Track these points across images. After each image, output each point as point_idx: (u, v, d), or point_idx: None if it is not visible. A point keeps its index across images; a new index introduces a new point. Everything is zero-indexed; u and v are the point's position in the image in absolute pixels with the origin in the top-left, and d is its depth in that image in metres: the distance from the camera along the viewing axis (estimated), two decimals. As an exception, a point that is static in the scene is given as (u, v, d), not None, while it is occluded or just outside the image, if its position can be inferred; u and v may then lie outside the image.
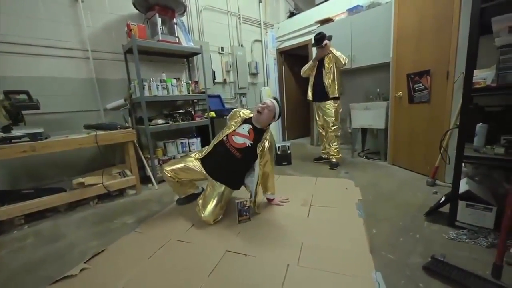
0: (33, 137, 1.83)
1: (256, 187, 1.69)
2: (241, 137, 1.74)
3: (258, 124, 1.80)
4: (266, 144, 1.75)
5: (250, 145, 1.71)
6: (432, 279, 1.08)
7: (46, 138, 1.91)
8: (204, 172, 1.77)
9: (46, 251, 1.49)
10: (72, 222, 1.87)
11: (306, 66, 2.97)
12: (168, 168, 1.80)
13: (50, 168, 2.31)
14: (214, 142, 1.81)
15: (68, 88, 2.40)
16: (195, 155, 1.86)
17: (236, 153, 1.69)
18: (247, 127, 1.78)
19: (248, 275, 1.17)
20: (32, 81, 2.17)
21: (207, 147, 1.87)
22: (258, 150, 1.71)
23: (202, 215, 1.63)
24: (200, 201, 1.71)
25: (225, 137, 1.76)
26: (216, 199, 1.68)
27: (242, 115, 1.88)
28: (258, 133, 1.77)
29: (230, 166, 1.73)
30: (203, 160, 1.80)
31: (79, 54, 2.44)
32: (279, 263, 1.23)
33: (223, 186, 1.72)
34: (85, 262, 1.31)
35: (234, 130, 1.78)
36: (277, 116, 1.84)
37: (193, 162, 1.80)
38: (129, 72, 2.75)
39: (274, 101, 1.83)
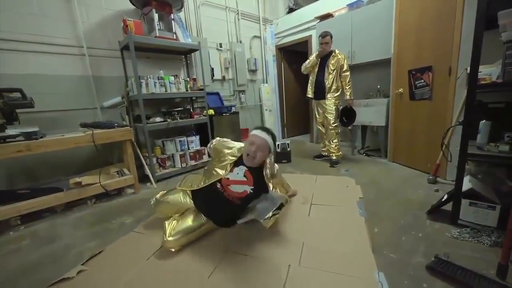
0: (28, 136, 1.78)
1: (270, 215, 1.33)
2: (239, 185, 1.39)
3: (254, 165, 1.44)
4: (268, 171, 1.52)
5: (251, 191, 1.40)
6: (436, 279, 1.06)
7: (41, 137, 1.86)
8: (192, 204, 1.51)
9: (42, 252, 1.46)
10: (69, 222, 1.84)
11: (308, 63, 2.92)
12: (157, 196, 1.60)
13: (46, 168, 2.27)
14: (206, 179, 1.45)
15: (63, 85, 2.35)
16: (185, 182, 1.59)
17: (237, 201, 1.38)
18: (241, 171, 1.42)
19: (249, 276, 1.15)
20: (26, 79, 2.12)
21: (201, 176, 1.55)
22: (266, 179, 1.48)
23: (168, 238, 1.31)
24: (173, 222, 1.39)
25: (219, 184, 1.39)
26: (196, 231, 1.41)
27: (228, 156, 1.48)
28: (256, 172, 1.44)
29: (227, 210, 1.43)
30: (193, 193, 1.51)
31: (74, 50, 2.38)
32: (280, 263, 1.21)
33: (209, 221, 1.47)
34: (82, 264, 1.29)
35: (228, 178, 1.40)
36: (272, 150, 1.49)
37: (181, 198, 1.53)
38: (126, 69, 2.70)
39: (265, 134, 1.45)
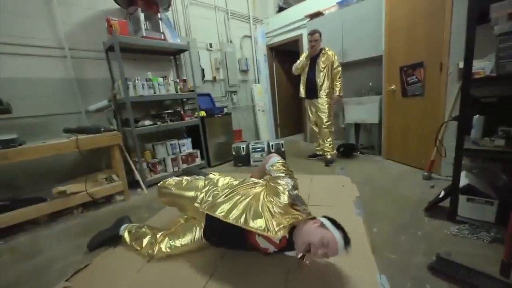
0: (5, 144, 1.66)
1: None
2: (267, 242, 1.13)
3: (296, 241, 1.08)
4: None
5: (273, 252, 1.17)
6: (439, 279, 1.03)
7: (20, 145, 1.75)
8: (201, 239, 1.26)
9: (22, 269, 1.35)
10: (53, 234, 1.73)
11: (298, 64, 2.90)
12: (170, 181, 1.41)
13: (28, 177, 2.13)
14: (224, 214, 1.10)
15: (44, 89, 2.22)
16: (206, 195, 1.23)
17: (255, 249, 1.19)
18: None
19: (247, 282, 1.09)
20: (2, 83, 1.99)
21: (220, 188, 1.26)
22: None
23: (152, 251, 1.25)
24: (165, 240, 1.28)
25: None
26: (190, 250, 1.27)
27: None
28: (290, 245, 1.11)
29: (240, 247, 1.25)
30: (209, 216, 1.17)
31: (55, 52, 2.26)
32: (279, 267, 1.16)
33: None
34: (66, 280, 1.20)
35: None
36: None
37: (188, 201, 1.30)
38: (112, 71, 2.59)
39: (340, 236, 1.01)
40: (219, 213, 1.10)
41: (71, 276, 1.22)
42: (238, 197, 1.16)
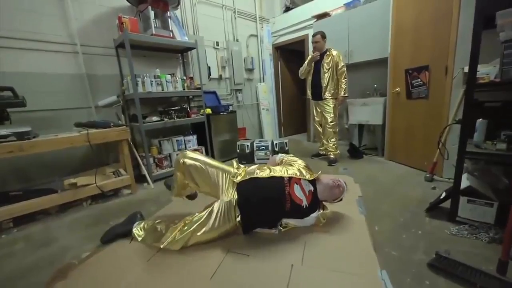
0: (20, 136, 1.73)
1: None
2: (302, 193, 1.38)
3: (319, 194, 1.47)
4: (320, 212, 1.48)
5: (305, 206, 1.38)
6: (438, 276, 1.07)
7: (34, 137, 1.81)
8: (231, 194, 1.36)
9: (37, 256, 1.42)
10: (64, 224, 1.79)
11: (302, 70, 2.97)
12: (188, 157, 1.42)
13: (40, 169, 2.20)
14: (268, 171, 1.43)
15: (56, 84, 2.28)
16: (229, 173, 1.44)
17: (288, 204, 1.34)
18: (308, 187, 1.43)
19: (252, 277, 1.14)
20: (17, 77, 2.05)
21: (253, 169, 1.49)
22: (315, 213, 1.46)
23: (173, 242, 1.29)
24: (176, 233, 1.32)
25: (288, 178, 1.40)
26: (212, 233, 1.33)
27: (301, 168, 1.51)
28: (315, 201, 1.44)
29: (276, 205, 1.35)
30: (239, 184, 1.38)
31: (68, 48, 2.32)
32: (283, 263, 1.21)
33: (230, 225, 1.36)
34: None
35: (300, 179, 1.42)
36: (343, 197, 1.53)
37: (218, 174, 1.42)
38: (121, 68, 2.64)
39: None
40: (262, 175, 1.41)
41: (82, 260, 1.28)
42: (268, 169, 1.47)
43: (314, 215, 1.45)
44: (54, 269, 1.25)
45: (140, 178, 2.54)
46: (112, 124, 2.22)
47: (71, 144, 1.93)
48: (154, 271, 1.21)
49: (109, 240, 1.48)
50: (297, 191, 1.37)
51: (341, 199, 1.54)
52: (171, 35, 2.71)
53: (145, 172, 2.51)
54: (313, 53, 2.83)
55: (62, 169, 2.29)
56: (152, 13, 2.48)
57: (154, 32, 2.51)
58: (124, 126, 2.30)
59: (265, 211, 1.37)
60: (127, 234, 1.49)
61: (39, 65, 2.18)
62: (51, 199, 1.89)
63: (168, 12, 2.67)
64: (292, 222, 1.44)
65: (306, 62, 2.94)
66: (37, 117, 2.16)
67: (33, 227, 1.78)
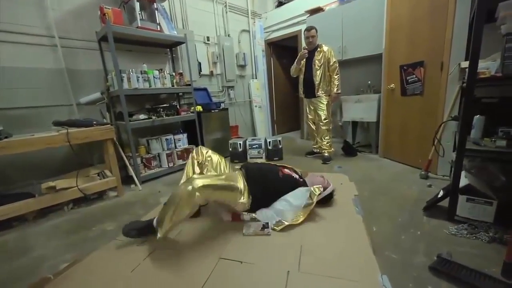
0: (-10, 136, 1.58)
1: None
2: (291, 171, 1.79)
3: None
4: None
5: (296, 178, 1.74)
6: (441, 280, 1.02)
7: (6, 138, 1.66)
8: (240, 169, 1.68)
9: (10, 267, 1.29)
10: (42, 231, 1.66)
11: (292, 69, 2.91)
12: (200, 185, 1.23)
13: (15, 171, 2.04)
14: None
15: (33, 79, 2.11)
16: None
17: (281, 173, 1.70)
18: (296, 174, 1.82)
19: (245, 285, 1.06)
20: (-13, 72, 1.88)
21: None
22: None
23: (196, 180, 1.24)
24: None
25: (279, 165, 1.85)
26: (223, 191, 1.36)
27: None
28: (304, 183, 1.74)
29: (273, 176, 1.67)
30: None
31: (44, 41, 2.14)
32: (278, 269, 1.13)
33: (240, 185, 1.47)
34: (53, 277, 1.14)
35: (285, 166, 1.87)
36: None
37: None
38: (105, 62, 2.49)
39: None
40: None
41: (59, 273, 1.17)
42: None
43: (306, 188, 1.60)
44: (27, 286, 1.13)
45: (127, 180, 2.41)
46: (95, 122, 2.08)
47: (48, 145, 1.78)
48: (139, 282, 1.11)
49: (130, 233, 1.37)
50: (287, 170, 1.76)
51: (331, 196, 1.71)
52: (159, 29, 2.57)
53: (132, 173, 2.38)
54: (308, 47, 2.74)
55: (41, 171, 2.14)
56: (137, 4, 2.34)
57: (139, 25, 2.37)
58: (109, 125, 2.16)
59: (264, 176, 1.63)
60: (148, 228, 1.37)
61: (13, 59, 2.00)
62: (28, 204, 1.74)
63: (155, 4, 2.52)
64: (287, 199, 1.56)
65: (295, 61, 2.85)
66: (11, 116, 2.00)
67: (7, 234, 1.64)
